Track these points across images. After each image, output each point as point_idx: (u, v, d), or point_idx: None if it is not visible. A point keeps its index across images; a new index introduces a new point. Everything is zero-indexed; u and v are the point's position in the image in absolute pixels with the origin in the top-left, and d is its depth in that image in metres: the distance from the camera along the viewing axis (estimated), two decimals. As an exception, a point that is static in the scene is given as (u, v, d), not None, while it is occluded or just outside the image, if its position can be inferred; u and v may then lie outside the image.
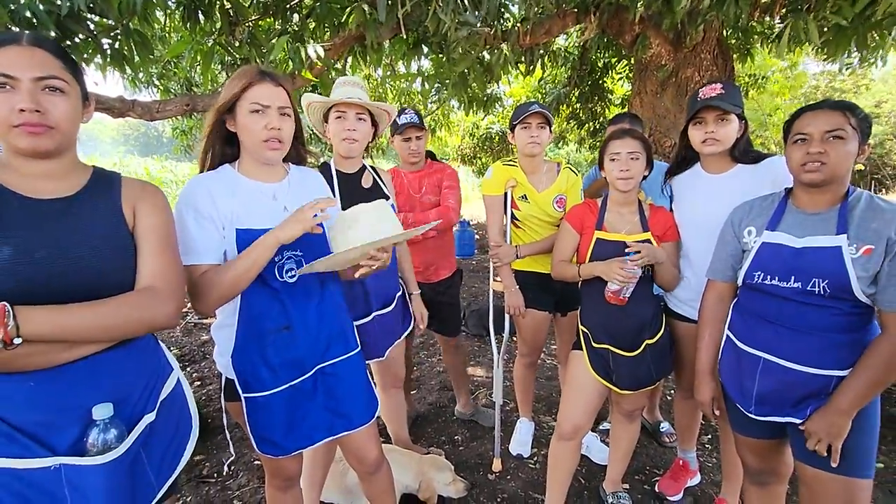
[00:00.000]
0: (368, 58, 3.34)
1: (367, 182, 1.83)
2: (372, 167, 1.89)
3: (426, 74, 4.60)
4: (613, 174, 1.66)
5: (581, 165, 11.14)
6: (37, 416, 0.89)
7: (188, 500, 2.09)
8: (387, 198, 1.83)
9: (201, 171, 1.26)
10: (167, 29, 3.87)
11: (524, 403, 2.44)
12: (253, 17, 3.35)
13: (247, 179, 1.26)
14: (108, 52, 2.62)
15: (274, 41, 3.00)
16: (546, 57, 4.98)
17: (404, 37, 3.40)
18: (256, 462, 2.28)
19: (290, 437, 1.30)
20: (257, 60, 3.65)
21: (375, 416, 1.46)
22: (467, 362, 2.73)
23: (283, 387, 1.28)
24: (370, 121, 1.73)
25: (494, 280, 2.24)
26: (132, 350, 1.00)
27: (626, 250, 1.60)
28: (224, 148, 1.27)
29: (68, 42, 2.44)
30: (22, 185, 0.91)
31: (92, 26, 2.49)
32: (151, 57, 2.91)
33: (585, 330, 1.75)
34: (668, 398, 2.80)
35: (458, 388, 2.66)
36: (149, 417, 1.01)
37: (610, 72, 6.45)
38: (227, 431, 1.36)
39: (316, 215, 1.15)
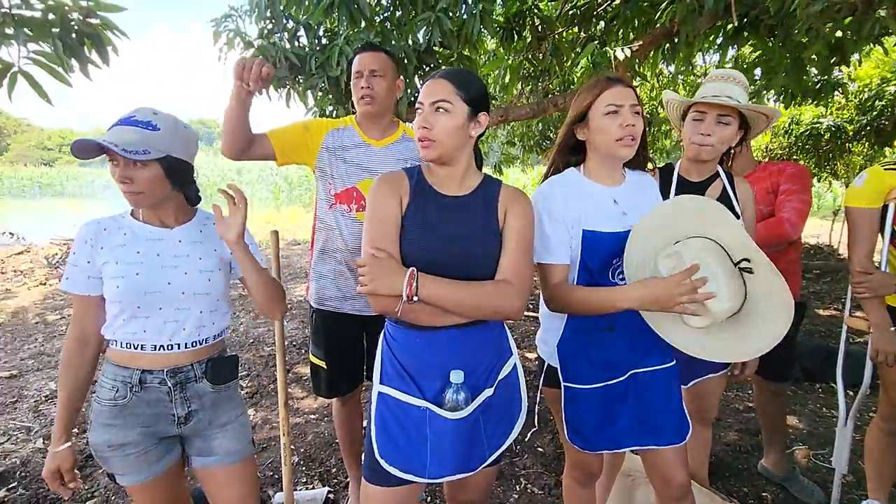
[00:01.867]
0: (678, 54, 3.07)
1: (714, 191, 1.57)
2: (727, 174, 1.58)
3: (745, 64, 3.96)
4: None
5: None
6: (417, 364, 1.13)
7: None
8: (736, 216, 1.52)
9: (546, 177, 1.36)
10: (481, 52, 4.46)
11: (879, 481, 1.83)
12: (559, 30, 3.52)
13: (591, 182, 1.30)
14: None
15: (577, 50, 3.08)
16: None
17: (721, 25, 3.00)
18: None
19: (599, 435, 1.32)
20: (557, 70, 3.83)
21: (687, 438, 1.33)
22: (785, 412, 2.23)
23: (598, 384, 1.30)
24: (736, 123, 1.50)
25: (851, 315, 1.74)
26: (485, 330, 1.15)
27: None
28: (569, 156, 1.35)
29: (419, 71, 3.06)
30: (437, 184, 1.16)
31: (438, 57, 3.03)
32: (475, 77, 3.36)
33: None
34: None
35: (769, 441, 2.19)
36: (488, 392, 1.15)
37: None
38: (535, 413, 1.45)
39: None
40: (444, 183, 1.16)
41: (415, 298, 1.02)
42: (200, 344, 1.22)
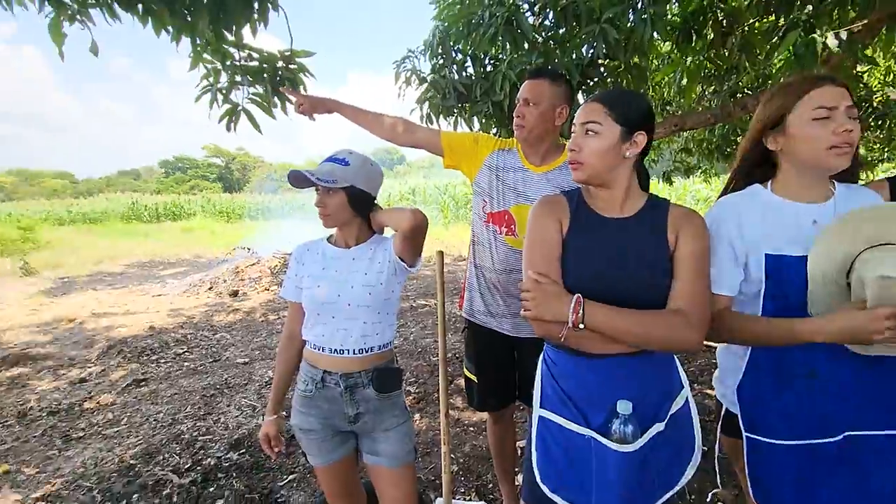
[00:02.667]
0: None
1: None
2: None
3: None
4: None
5: None
6: (581, 391, 1.09)
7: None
8: None
9: (725, 193, 1.20)
10: (652, 57, 4.14)
11: None
12: (749, 21, 3.08)
13: (782, 200, 1.11)
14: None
15: (774, 41, 2.64)
16: None
17: None
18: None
19: (800, 500, 1.09)
20: (746, 67, 3.34)
21: None
22: None
23: (797, 442, 1.08)
24: None
25: None
26: (653, 360, 1.06)
27: None
28: (752, 169, 1.18)
29: (582, 86, 2.98)
30: (597, 206, 1.13)
31: (603, 69, 2.92)
32: (646, 88, 3.14)
33: None
34: None
35: None
36: (658, 426, 1.05)
37: None
38: (717, 463, 1.26)
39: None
40: (605, 205, 1.12)
41: (581, 326, 0.99)
42: (366, 352, 1.38)
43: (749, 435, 1.12)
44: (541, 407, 1.14)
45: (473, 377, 1.87)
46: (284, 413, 1.60)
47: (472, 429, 2.86)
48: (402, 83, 3.13)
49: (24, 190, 51.90)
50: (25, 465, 2.62)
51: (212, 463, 2.55)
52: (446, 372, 1.77)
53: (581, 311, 0.99)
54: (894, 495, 1.05)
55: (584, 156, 1.07)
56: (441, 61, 3.12)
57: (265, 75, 2.32)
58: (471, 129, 3.18)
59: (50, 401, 3.43)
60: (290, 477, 2.42)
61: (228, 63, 2.31)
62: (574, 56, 2.82)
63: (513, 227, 1.68)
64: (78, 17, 1.92)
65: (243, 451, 2.68)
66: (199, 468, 2.51)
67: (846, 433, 1.06)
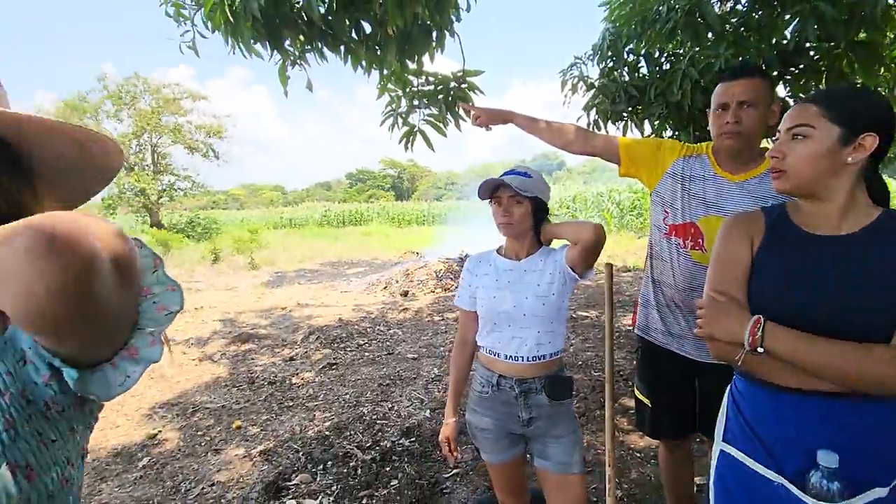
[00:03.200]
0: None
1: None
2: None
3: None
4: None
5: None
6: (771, 431, 0.96)
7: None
8: None
9: None
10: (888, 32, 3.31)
11: None
12: None
13: None
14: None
15: None
16: None
17: None
18: None
19: None
20: None
21: None
22: None
23: None
24: None
25: None
26: (867, 406, 0.88)
27: None
28: None
29: (785, 76, 2.55)
30: (804, 223, 1.00)
31: (814, 53, 2.47)
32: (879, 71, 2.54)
33: None
34: None
35: None
36: (879, 492, 0.86)
37: None
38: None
39: None
40: (814, 221, 0.97)
41: (759, 349, 0.89)
42: (539, 359, 1.41)
43: None
44: (723, 441, 1.04)
45: (646, 400, 1.76)
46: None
47: (638, 454, 2.68)
48: (569, 90, 3.09)
49: (251, 200, 65.03)
50: (252, 424, 3.30)
51: (388, 445, 2.87)
52: (613, 390, 1.71)
53: (759, 333, 0.88)
54: None
55: (789, 163, 0.95)
56: (611, 64, 3.00)
57: (440, 96, 2.55)
58: (641, 134, 2.99)
59: (269, 373, 4.25)
60: (455, 471, 2.58)
61: (408, 90, 2.59)
62: (773, 42, 2.45)
63: (700, 240, 1.54)
64: (297, 61, 2.37)
65: (413, 438, 2.95)
66: (378, 448, 2.84)
67: None
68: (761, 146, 1.55)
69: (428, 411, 3.34)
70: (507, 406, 1.45)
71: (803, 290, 0.92)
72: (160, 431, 3.23)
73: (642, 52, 2.86)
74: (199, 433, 3.20)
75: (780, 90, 2.53)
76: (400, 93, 2.63)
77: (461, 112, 2.48)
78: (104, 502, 2.47)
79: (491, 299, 1.46)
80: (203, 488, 2.56)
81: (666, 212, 1.63)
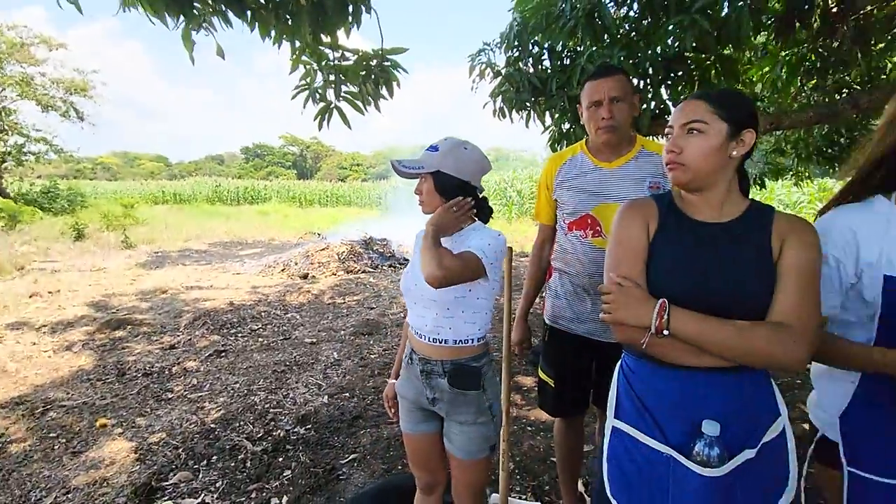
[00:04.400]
0: None
1: None
2: None
3: None
4: None
5: None
6: (661, 405, 1.03)
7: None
8: None
9: (837, 203, 1.09)
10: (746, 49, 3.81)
11: None
12: (867, 8, 2.76)
13: None
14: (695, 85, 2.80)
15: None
16: None
17: None
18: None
19: None
20: (858, 59, 3.00)
21: None
22: None
23: None
24: None
25: None
26: (750, 378, 0.99)
27: None
28: (884, 176, 1.03)
29: (666, 81, 2.81)
30: (691, 210, 1.07)
31: (690, 62, 2.75)
32: (736, 83, 2.91)
33: None
34: None
35: None
36: (748, 453, 0.97)
37: None
38: (803, 494, 1.17)
39: None
40: (700, 209, 1.05)
41: (665, 332, 0.94)
42: (441, 343, 1.39)
43: (851, 469, 1.03)
44: (615, 417, 1.10)
45: (550, 381, 1.86)
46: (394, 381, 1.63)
47: (529, 428, 2.84)
48: (477, 76, 3.11)
49: (127, 171, 57.56)
50: (121, 421, 2.93)
51: (281, 434, 2.72)
52: (510, 370, 1.77)
53: (666, 317, 0.94)
54: None
55: (688, 157, 1.01)
56: (517, 54, 3.07)
57: (362, 73, 2.41)
58: (543, 124, 3.11)
59: (144, 363, 3.81)
60: (352, 456, 2.53)
61: (324, 63, 2.42)
62: (658, 49, 2.67)
63: (598, 227, 1.66)
64: (203, 24, 2.09)
65: (309, 426, 2.83)
66: (269, 438, 2.69)
67: None
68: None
69: (326, 397, 3.23)
70: (417, 380, 1.45)
71: (695, 273, 1.00)
72: (2, 434, 2.75)
73: (546, 45, 2.96)
74: (52, 434, 2.77)
75: (663, 93, 2.78)
76: (315, 66, 2.44)
77: (384, 92, 2.39)
78: (-82, 524, 2.04)
79: (406, 273, 1.48)
80: (57, 497, 2.22)
81: (565, 213, 1.75)
